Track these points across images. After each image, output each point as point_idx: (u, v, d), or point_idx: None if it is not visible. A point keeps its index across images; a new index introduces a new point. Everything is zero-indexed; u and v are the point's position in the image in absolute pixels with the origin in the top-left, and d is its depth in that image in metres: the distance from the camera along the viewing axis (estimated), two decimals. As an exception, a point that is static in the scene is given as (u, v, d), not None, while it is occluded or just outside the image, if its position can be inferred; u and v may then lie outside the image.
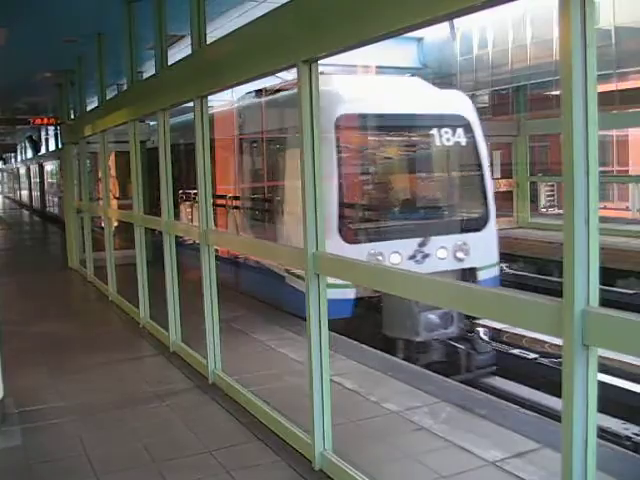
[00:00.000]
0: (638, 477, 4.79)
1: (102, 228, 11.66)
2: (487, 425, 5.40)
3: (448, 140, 9.08)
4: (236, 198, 11.03)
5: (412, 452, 4.93)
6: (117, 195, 15.51)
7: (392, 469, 4.69)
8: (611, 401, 6.67)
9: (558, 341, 2.72)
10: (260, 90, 10.31)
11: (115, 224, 12.37)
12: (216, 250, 6.43)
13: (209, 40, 6.01)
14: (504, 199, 16.83)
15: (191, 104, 6.20)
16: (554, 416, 5.20)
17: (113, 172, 16.95)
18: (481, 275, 8.82)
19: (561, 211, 2.67)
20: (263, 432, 5.22)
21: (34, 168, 36.91)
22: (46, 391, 6.39)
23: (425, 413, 5.59)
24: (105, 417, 5.73)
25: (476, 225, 9.08)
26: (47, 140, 34.14)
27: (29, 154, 39.77)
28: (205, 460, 4.82)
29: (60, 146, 19.99)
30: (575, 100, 2.53)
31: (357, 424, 5.40)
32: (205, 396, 6.13)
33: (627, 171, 21.62)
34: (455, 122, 9.11)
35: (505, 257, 12.08)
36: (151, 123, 13.12)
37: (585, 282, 2.59)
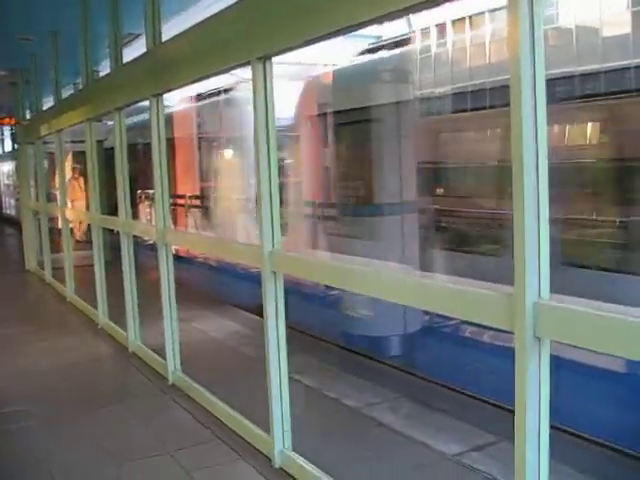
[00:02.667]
0: (592, 464, 4.87)
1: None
2: (447, 419, 5.45)
3: None
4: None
5: (372, 448, 4.94)
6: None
7: (352, 466, 4.68)
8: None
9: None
10: None
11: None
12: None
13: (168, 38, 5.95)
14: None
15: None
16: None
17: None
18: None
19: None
20: (223, 431, 5.19)
21: (-11, 169, 36.27)
22: (1, 395, 6.29)
23: (385, 409, 5.61)
24: (64, 420, 5.64)
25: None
26: (3, 140, 33.55)
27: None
28: (165, 461, 4.77)
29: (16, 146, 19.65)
30: (524, 96, 2.55)
31: (317, 421, 5.40)
32: (165, 397, 6.08)
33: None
34: None
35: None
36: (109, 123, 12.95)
37: (536, 274, 2.61)
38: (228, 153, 12.83)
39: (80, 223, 14.49)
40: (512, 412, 2.77)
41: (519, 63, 2.54)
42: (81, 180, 16.12)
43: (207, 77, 5.27)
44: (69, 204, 12.83)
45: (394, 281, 3.54)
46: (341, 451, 4.85)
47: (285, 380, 4.49)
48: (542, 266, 2.61)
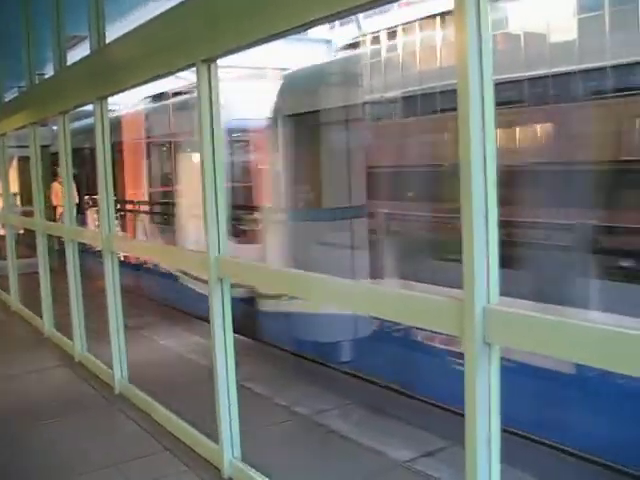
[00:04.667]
0: (544, 466, 4.87)
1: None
2: (398, 425, 5.41)
3: None
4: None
5: (323, 456, 4.88)
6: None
7: (303, 475, 4.62)
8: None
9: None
10: None
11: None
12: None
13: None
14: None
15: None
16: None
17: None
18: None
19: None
20: (171, 441, 5.07)
21: None
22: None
23: (336, 416, 5.55)
24: (3, 434, 5.46)
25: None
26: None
27: None
28: (111, 474, 4.63)
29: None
30: (472, 100, 2.51)
31: (267, 429, 5.31)
32: (111, 407, 5.93)
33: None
34: None
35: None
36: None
37: (485, 279, 2.57)
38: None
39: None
40: (462, 416, 2.73)
41: (466, 66, 2.51)
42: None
43: (152, 79, 5.15)
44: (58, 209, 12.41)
45: (344, 288, 3.48)
46: (292, 460, 4.78)
47: (233, 389, 4.39)
48: (491, 270, 2.57)
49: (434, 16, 8.31)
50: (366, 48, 9.51)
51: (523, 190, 6.21)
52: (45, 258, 8.58)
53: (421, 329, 6.45)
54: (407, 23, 8.65)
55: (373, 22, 9.43)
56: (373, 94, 9.02)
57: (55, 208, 13.53)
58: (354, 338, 7.86)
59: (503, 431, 2.67)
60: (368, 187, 8.25)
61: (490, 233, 2.55)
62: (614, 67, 6.15)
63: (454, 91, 2.59)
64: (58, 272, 8.76)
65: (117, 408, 5.88)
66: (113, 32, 5.84)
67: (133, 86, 5.50)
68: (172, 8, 4.55)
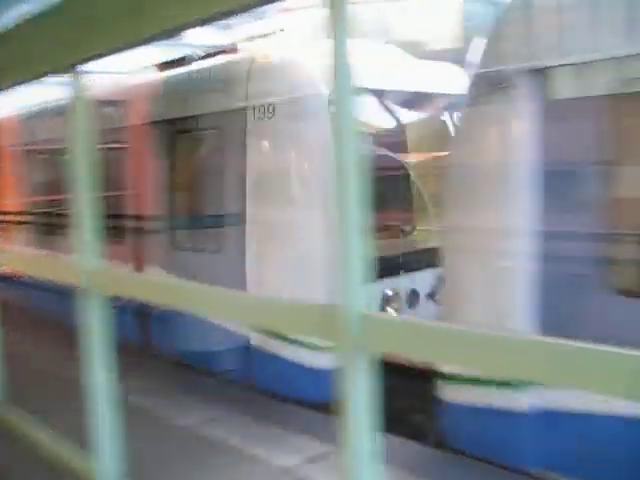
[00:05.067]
0: (421, 463, 4.93)
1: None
2: (283, 433, 5.38)
3: None
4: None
5: (207, 467, 4.82)
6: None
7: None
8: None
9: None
10: None
11: None
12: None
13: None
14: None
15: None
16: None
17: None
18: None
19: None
20: (49, 462, 4.83)
21: None
22: None
23: (219, 426, 5.49)
24: None
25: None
26: None
27: None
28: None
29: None
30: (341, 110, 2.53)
31: (151, 443, 5.16)
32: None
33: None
34: None
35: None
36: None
37: (360, 286, 2.58)
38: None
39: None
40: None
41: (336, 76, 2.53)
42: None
43: (19, 84, 4.94)
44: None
45: (221, 298, 3.43)
46: (176, 472, 4.69)
47: (111, 404, 4.21)
48: (362, 278, 2.58)
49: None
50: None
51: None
52: None
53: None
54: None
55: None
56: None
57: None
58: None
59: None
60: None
61: (362, 241, 2.57)
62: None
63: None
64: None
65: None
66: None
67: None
68: (43, 11, 4.38)
